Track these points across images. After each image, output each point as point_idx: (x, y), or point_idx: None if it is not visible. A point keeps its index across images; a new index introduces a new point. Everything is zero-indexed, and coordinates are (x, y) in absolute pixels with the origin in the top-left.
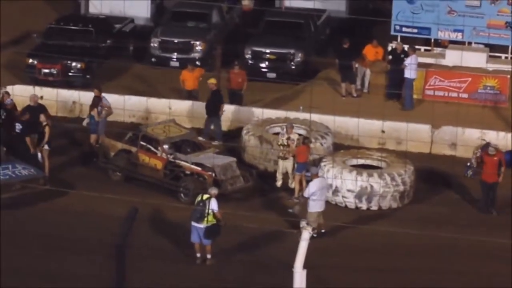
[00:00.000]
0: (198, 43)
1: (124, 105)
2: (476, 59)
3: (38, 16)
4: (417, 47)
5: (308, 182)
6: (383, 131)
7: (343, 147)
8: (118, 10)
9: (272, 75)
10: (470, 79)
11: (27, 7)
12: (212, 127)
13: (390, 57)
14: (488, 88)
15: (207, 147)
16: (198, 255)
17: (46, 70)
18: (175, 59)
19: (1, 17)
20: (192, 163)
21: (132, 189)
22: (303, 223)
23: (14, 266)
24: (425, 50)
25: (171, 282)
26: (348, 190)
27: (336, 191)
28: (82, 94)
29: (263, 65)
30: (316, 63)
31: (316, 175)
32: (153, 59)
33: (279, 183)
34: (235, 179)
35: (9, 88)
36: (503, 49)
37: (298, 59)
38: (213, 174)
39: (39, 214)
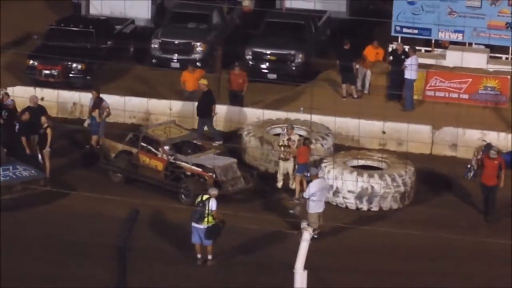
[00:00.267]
0: (198, 44)
1: (125, 106)
2: (477, 60)
3: (38, 17)
4: (417, 48)
5: (307, 182)
6: (383, 132)
7: (343, 148)
8: (118, 11)
9: (272, 76)
10: (470, 80)
11: (28, 8)
12: (205, 128)
13: (391, 58)
14: (489, 89)
15: (208, 148)
16: (199, 256)
17: (47, 71)
18: (175, 60)
19: (1, 18)
20: (193, 164)
21: (132, 190)
22: (303, 224)
23: (14, 267)
24: (426, 51)
25: (172, 283)
26: (349, 191)
27: (336, 192)
28: (82, 95)
29: (263, 66)
30: (317, 64)
31: (316, 176)
32: (153, 60)
33: (279, 184)
34: (236, 180)
35: (9, 90)
36: (504, 49)
37: (299, 60)
38: (214, 175)
39: (40, 216)
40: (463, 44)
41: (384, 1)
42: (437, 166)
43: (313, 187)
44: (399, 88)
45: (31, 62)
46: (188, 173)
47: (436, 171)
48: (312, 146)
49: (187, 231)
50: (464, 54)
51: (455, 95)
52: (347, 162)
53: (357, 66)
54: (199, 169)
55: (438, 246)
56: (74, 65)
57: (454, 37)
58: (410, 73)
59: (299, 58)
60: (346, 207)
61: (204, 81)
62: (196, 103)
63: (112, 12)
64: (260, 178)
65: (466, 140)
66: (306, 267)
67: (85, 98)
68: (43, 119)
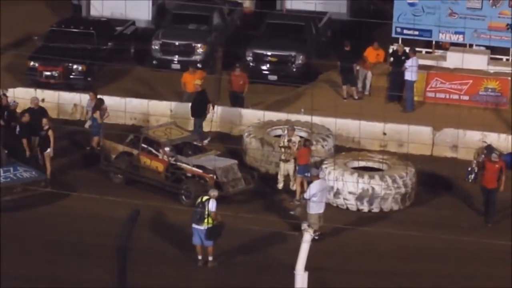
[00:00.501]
0: (199, 45)
1: (125, 107)
2: (477, 61)
3: (39, 18)
4: (418, 49)
5: (308, 183)
6: (384, 133)
7: (344, 149)
8: (119, 13)
9: (273, 77)
10: (471, 81)
11: (29, 9)
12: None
13: (392, 59)
14: (489, 90)
15: (209, 149)
16: (200, 257)
17: (48, 73)
18: (176, 62)
19: (2, 19)
20: (194, 166)
21: (133, 191)
22: (304, 225)
23: (15, 268)
24: (426, 52)
25: (172, 284)
26: (350, 192)
27: (337, 194)
28: (83, 96)
29: (264, 67)
30: (318, 65)
31: (317, 177)
32: (154, 62)
33: (280, 185)
34: (237, 182)
35: (10, 91)
36: (504, 51)
37: (299, 62)
38: (215, 177)
39: (40, 216)
40: (463, 45)
41: (384, 2)
42: (437, 168)
43: (313, 188)
44: (399, 90)
45: (31, 63)
46: (189, 175)
47: (436, 173)
48: (312, 148)
49: (187, 232)
50: (465, 55)
51: (456, 97)
52: (347, 164)
53: (358, 68)
54: (200, 171)
55: (438, 247)
56: (75, 66)
57: (455, 38)
58: (410, 75)
59: (300, 59)
60: (347, 208)
61: (198, 82)
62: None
63: (113, 14)
64: (261, 180)
65: (467, 141)
66: (306, 268)
67: (86, 99)
68: (44, 121)
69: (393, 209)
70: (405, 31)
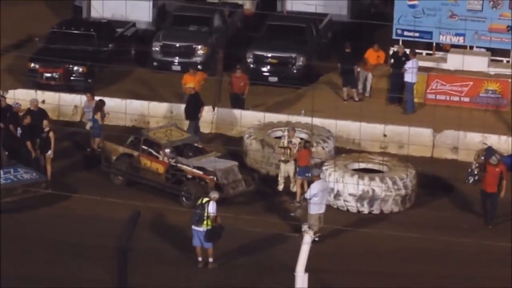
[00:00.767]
0: (199, 47)
1: (126, 109)
2: (478, 63)
3: (40, 20)
4: (418, 51)
5: (309, 183)
6: (385, 135)
7: (344, 151)
8: (119, 14)
9: (274, 79)
10: (471, 83)
11: (29, 11)
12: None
13: (392, 60)
14: (490, 92)
15: (209, 151)
16: (200, 258)
17: (48, 74)
18: (176, 63)
19: (2, 21)
20: (194, 167)
21: (134, 193)
22: (304, 227)
23: (15, 269)
24: (427, 54)
25: (172, 285)
26: (350, 194)
27: (337, 195)
28: (83, 98)
29: (265, 69)
30: (318, 67)
31: (318, 177)
32: (155, 63)
33: (280, 187)
34: (237, 183)
35: (10, 92)
36: (505, 53)
37: (300, 63)
38: (215, 178)
39: (41, 218)
40: (464, 47)
41: (385, 4)
42: (438, 169)
43: (314, 188)
44: (400, 91)
45: (32, 65)
46: (189, 176)
47: (437, 173)
48: (313, 149)
49: (188, 233)
50: (465, 57)
51: (456, 98)
52: (348, 165)
53: (358, 69)
54: (200, 172)
55: (438, 248)
56: (75, 68)
57: (455, 40)
58: (410, 76)
59: (300, 61)
60: (347, 210)
61: (190, 85)
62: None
63: (114, 15)
64: (261, 181)
65: (467, 143)
66: (307, 269)
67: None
68: (45, 122)
69: (393, 210)
70: (405, 33)
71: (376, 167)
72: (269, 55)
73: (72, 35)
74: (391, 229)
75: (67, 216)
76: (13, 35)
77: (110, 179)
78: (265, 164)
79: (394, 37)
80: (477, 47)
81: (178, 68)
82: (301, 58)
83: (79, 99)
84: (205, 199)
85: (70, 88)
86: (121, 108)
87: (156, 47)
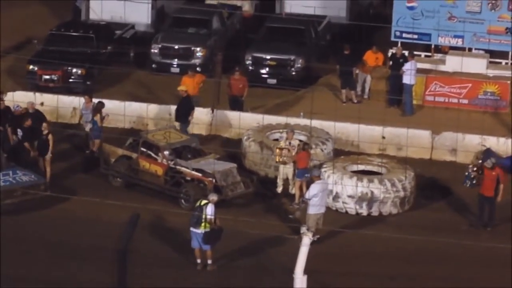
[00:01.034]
0: (198, 49)
1: (125, 111)
2: (477, 65)
3: (39, 22)
4: (417, 53)
5: (308, 183)
6: (383, 137)
7: (343, 153)
8: (118, 16)
9: (272, 81)
10: (470, 85)
11: (28, 13)
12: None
13: (391, 62)
14: (489, 94)
15: (208, 153)
16: (199, 260)
17: (47, 77)
18: (175, 65)
19: (1, 23)
20: (193, 169)
21: (133, 195)
22: (303, 229)
23: (14, 271)
24: (426, 56)
25: (171, 287)
26: (349, 196)
27: (336, 197)
28: (82, 100)
29: (263, 71)
30: (317, 69)
31: (318, 177)
32: (153, 65)
33: (279, 189)
34: (236, 185)
35: (9, 95)
36: (504, 55)
37: (299, 65)
38: (214, 180)
39: (41, 220)
40: (463, 49)
41: (384, 5)
42: (437, 171)
43: (314, 189)
44: (398, 93)
45: (31, 67)
46: (188, 178)
47: (436, 175)
48: (312, 151)
49: (187, 235)
50: (464, 59)
51: (455, 100)
52: (347, 167)
53: (357, 71)
54: (199, 174)
55: (438, 250)
56: (74, 70)
57: (454, 42)
58: (408, 78)
59: (299, 63)
60: (346, 212)
61: (182, 87)
62: (196, 108)
63: (112, 17)
64: (260, 183)
65: (466, 145)
66: (306, 271)
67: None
68: (44, 125)
69: (392, 212)
70: (404, 35)
71: (375, 169)
72: (268, 57)
73: (71, 37)
74: (389, 231)
75: (67, 218)
76: (12, 37)
77: (109, 181)
78: (264, 166)
79: (392, 39)
80: (475, 49)
81: (177, 70)
82: (300, 60)
83: (78, 101)
84: (204, 201)
85: (69, 90)
86: (120, 110)
87: (155, 49)
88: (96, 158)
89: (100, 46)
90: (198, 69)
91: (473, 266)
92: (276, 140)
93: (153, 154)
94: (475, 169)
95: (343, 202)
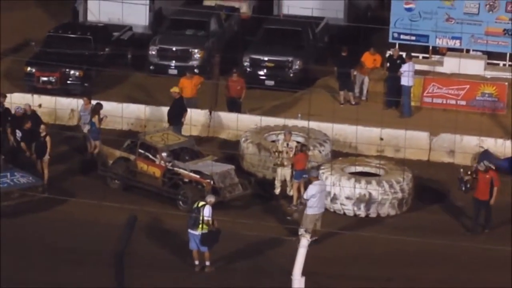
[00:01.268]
0: (196, 51)
1: (122, 112)
2: (474, 66)
3: (36, 24)
4: (415, 54)
5: (306, 184)
6: (381, 139)
7: (341, 155)
8: (116, 18)
9: (270, 82)
10: (468, 86)
11: (26, 15)
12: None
13: (388, 64)
14: (487, 95)
15: (206, 154)
16: (197, 262)
17: (45, 78)
18: (173, 67)
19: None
20: (191, 171)
21: (130, 197)
22: (301, 231)
23: (13, 274)
24: (423, 57)
25: None
26: (347, 198)
27: (334, 199)
28: (80, 102)
29: (261, 72)
30: (315, 70)
31: (316, 178)
32: (151, 67)
33: (277, 190)
34: (234, 187)
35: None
36: (501, 56)
37: (297, 67)
38: (212, 182)
39: (38, 222)
40: (460, 50)
41: (381, 7)
42: (434, 173)
43: (312, 189)
44: (396, 95)
45: (29, 69)
46: (186, 180)
47: (433, 177)
48: (310, 153)
49: (184, 237)
50: (462, 60)
51: (453, 102)
52: (344, 169)
53: (355, 73)
54: (197, 176)
55: (436, 252)
56: (72, 72)
57: (452, 43)
58: (406, 80)
59: (297, 64)
60: (344, 213)
61: (175, 89)
62: (194, 110)
63: (110, 19)
64: (258, 185)
65: (464, 146)
66: (304, 273)
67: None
68: (42, 127)
69: (390, 214)
70: (402, 36)
71: (373, 170)
72: (266, 58)
73: (69, 39)
74: (387, 233)
75: (64, 220)
76: (10, 39)
77: (107, 183)
78: (262, 167)
79: (390, 40)
80: (473, 50)
81: (175, 72)
82: (298, 62)
83: (76, 103)
84: (201, 203)
85: (66, 92)
86: (118, 112)
87: (152, 51)
88: (94, 160)
89: (98, 48)
90: (196, 71)
91: (471, 267)
92: (275, 142)
93: (151, 156)
94: (469, 172)
95: (341, 204)
